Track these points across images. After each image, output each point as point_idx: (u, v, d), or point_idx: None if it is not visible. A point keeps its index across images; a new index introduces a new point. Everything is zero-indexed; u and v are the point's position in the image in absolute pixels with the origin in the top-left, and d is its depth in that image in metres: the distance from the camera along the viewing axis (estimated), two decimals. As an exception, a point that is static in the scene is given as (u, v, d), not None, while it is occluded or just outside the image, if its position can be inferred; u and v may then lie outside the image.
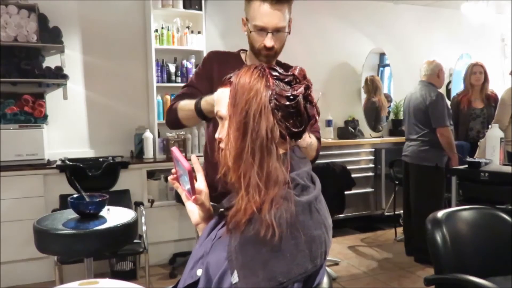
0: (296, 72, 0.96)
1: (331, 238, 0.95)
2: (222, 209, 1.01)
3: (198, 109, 1.38)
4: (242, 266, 0.83)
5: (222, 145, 0.97)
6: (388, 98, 4.89)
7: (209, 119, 1.42)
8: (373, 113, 4.75)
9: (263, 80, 0.92)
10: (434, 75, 3.38)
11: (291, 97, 0.92)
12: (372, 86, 4.71)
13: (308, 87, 0.96)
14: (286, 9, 1.43)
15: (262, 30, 1.43)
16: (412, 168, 3.41)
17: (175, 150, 1.09)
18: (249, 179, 0.89)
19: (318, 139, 1.48)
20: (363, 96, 4.73)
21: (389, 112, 4.88)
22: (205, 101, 1.36)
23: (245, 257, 0.84)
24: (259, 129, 0.89)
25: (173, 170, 1.14)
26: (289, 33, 1.49)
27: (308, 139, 1.33)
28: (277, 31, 1.43)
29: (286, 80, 0.94)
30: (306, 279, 0.88)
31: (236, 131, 0.91)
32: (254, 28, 1.45)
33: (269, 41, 1.43)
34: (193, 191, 1.07)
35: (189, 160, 1.07)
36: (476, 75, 3.70)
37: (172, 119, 1.56)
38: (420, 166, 3.34)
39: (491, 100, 3.72)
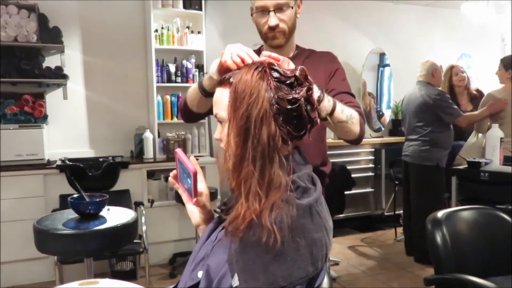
0: (298, 73, 0.92)
1: (331, 240, 0.94)
2: (220, 210, 1.01)
3: (200, 85, 1.28)
4: (242, 270, 0.83)
5: (222, 145, 0.96)
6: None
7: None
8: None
9: (264, 83, 0.88)
10: (429, 74, 3.39)
11: (293, 100, 0.89)
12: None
13: (309, 89, 0.92)
14: None
15: (264, 10, 1.39)
16: (413, 167, 3.41)
17: (179, 152, 1.08)
18: (249, 186, 0.87)
19: (360, 114, 1.32)
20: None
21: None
22: (208, 77, 1.24)
23: (245, 261, 0.83)
24: (260, 136, 0.86)
25: (174, 171, 1.14)
26: (297, 11, 1.43)
27: (347, 110, 1.23)
28: (279, 8, 1.37)
29: (287, 82, 0.90)
30: (307, 282, 0.88)
31: (237, 137, 0.88)
32: (256, 10, 1.40)
33: (272, 20, 1.37)
34: (195, 193, 1.07)
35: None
36: (459, 76, 3.64)
37: (183, 108, 1.47)
38: (421, 165, 3.34)
39: (478, 100, 3.68)
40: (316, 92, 1.05)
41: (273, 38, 1.41)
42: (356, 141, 1.34)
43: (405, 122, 3.55)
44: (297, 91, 0.90)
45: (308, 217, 0.88)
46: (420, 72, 3.44)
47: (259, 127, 0.86)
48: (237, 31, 3.64)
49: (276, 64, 0.93)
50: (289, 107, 0.89)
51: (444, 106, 3.25)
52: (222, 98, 0.94)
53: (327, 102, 1.12)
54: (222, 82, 0.96)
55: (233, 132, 0.89)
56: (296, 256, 0.84)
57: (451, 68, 3.71)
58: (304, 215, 0.88)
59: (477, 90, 3.86)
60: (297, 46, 1.56)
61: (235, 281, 0.83)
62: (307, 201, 0.90)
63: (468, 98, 3.74)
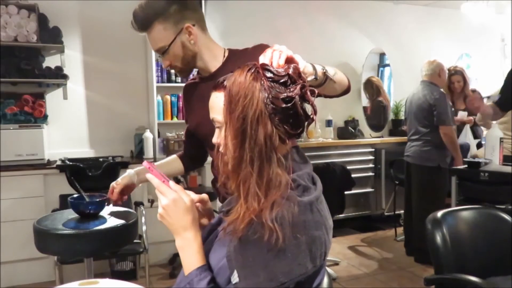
0: (291, 71, 0.91)
1: (331, 239, 0.95)
2: (221, 211, 1.01)
3: None
4: (242, 266, 0.83)
5: (220, 149, 0.95)
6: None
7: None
8: (380, 112, 4.77)
9: (257, 83, 0.88)
10: (435, 74, 3.38)
11: (287, 99, 0.89)
12: (372, 89, 4.74)
13: (304, 86, 0.92)
14: (155, 30, 1.39)
15: None
16: (414, 168, 3.41)
17: (146, 164, 1.00)
18: (248, 188, 0.87)
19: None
20: (363, 96, 4.73)
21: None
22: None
23: (245, 257, 0.84)
24: (257, 136, 0.86)
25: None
26: (188, 39, 1.37)
27: (331, 69, 1.20)
28: (161, 53, 1.41)
29: (281, 81, 0.90)
30: (305, 280, 0.88)
31: (234, 139, 0.88)
32: None
33: (163, 63, 1.46)
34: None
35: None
36: (454, 85, 3.86)
37: None
38: (422, 166, 3.33)
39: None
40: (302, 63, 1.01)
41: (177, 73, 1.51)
42: (348, 89, 1.36)
43: (408, 122, 3.55)
44: (291, 89, 0.90)
45: (309, 213, 0.89)
46: (425, 71, 3.41)
47: (255, 128, 0.86)
48: (237, 31, 3.64)
49: (268, 64, 0.92)
50: (284, 105, 0.89)
51: (440, 108, 3.23)
52: (217, 102, 0.94)
53: (310, 69, 1.08)
54: (217, 86, 0.96)
55: (230, 134, 0.89)
56: (297, 252, 0.84)
57: (450, 76, 3.82)
58: (305, 211, 0.88)
59: (473, 91, 3.91)
60: (229, 51, 1.45)
61: (235, 278, 0.83)
62: (308, 198, 0.90)
63: (463, 98, 3.85)
